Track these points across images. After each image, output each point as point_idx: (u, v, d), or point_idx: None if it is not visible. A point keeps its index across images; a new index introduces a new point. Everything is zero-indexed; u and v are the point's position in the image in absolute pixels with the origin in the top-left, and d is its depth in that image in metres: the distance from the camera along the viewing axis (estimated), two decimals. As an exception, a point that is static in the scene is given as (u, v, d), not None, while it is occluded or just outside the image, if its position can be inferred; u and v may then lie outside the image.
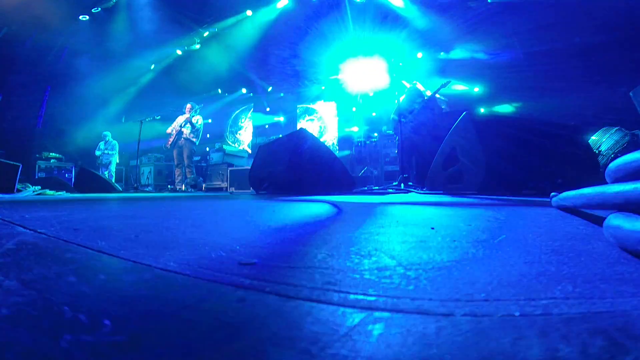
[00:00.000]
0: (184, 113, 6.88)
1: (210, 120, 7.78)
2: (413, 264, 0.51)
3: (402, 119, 5.49)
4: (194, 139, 6.67)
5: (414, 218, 1.12)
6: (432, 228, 0.87)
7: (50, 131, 9.86)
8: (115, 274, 0.51)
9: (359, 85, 9.58)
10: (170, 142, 6.75)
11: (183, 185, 7.26)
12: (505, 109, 8.35)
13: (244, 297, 0.38)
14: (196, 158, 10.94)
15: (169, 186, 9.49)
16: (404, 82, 9.19)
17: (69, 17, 8.08)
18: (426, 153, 5.31)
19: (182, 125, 6.61)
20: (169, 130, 6.80)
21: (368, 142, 8.63)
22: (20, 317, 0.33)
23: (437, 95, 6.04)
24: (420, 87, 7.03)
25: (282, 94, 12.22)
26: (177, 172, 7.00)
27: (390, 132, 7.90)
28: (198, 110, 7.10)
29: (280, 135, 6.46)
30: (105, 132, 8.69)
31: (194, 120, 6.62)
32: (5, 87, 8.44)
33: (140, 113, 8.47)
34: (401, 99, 5.81)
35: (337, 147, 10.95)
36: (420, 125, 5.50)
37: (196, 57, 10.25)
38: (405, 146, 5.49)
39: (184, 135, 6.57)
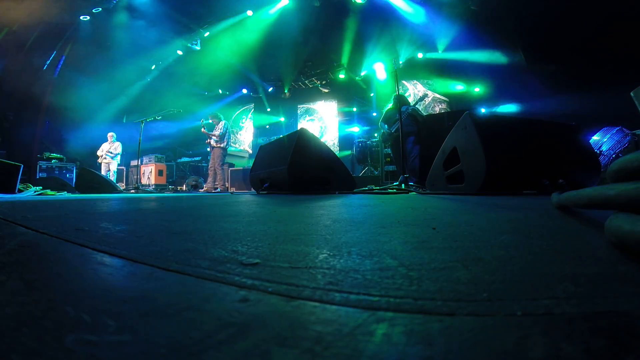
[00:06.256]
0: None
1: (210, 121, 8.13)
2: (415, 264, 0.51)
3: (389, 128, 5.97)
4: (221, 145, 7.91)
5: (415, 218, 1.12)
6: (434, 228, 0.87)
7: (51, 131, 9.88)
8: (117, 273, 0.51)
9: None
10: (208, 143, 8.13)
11: (184, 185, 7.78)
12: (506, 109, 8.34)
13: (247, 297, 0.38)
14: (197, 158, 11.16)
15: (169, 186, 9.53)
16: (404, 82, 9.18)
17: (69, 17, 8.11)
18: (425, 156, 5.66)
19: (210, 132, 7.98)
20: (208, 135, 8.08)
21: (368, 142, 8.64)
22: (24, 317, 0.33)
23: (418, 106, 6.79)
24: (420, 87, 7.16)
25: (282, 94, 12.22)
26: (209, 173, 8.18)
27: (378, 139, 8.19)
28: (209, 118, 8.11)
29: (281, 136, 6.50)
30: (109, 133, 8.75)
31: (215, 129, 7.89)
32: (6, 87, 8.45)
33: (140, 113, 8.59)
34: (389, 106, 6.23)
35: (338, 147, 10.95)
36: (405, 134, 5.75)
37: (196, 57, 10.25)
38: (395, 151, 5.95)
39: (212, 144, 7.91)
